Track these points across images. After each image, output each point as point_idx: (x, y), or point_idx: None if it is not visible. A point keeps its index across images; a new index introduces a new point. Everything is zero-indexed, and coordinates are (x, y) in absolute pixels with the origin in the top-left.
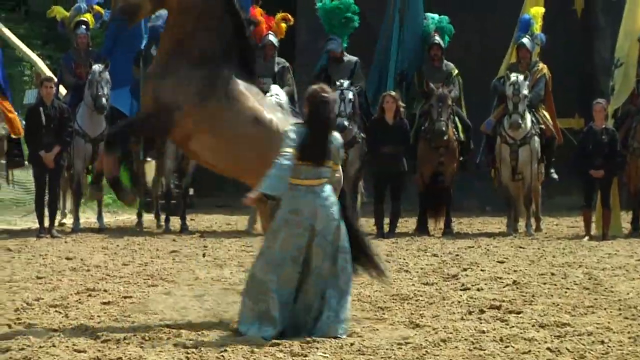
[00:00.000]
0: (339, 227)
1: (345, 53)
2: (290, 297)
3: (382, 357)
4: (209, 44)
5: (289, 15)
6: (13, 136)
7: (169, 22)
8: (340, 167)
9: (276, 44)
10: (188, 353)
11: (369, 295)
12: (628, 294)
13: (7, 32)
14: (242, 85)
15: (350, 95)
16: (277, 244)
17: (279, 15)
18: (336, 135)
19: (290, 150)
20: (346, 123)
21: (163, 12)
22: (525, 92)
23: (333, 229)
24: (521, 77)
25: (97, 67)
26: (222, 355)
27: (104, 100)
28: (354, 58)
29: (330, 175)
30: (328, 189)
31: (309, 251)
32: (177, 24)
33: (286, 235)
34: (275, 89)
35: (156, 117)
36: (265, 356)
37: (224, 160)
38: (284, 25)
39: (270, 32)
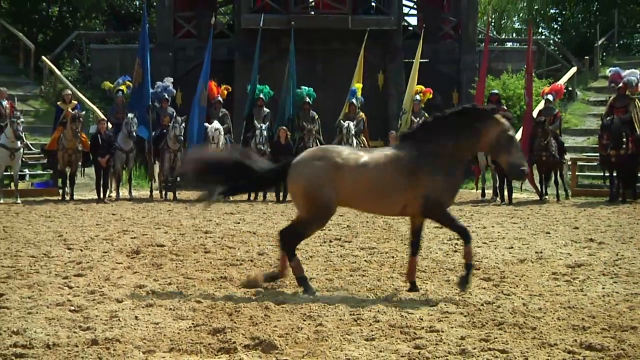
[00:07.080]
0: None
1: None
2: None
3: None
4: None
5: (229, 87)
6: (85, 150)
7: None
8: None
9: (221, 101)
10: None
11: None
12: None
13: (81, 95)
14: None
15: (265, 132)
16: None
17: (224, 86)
18: None
19: None
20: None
21: (160, 83)
22: (352, 131)
23: None
24: (351, 124)
25: (130, 115)
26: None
27: (134, 133)
28: (267, 109)
29: None
30: None
31: None
32: None
33: None
34: (216, 124)
35: None
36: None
37: None
38: (225, 92)
39: (219, 94)
